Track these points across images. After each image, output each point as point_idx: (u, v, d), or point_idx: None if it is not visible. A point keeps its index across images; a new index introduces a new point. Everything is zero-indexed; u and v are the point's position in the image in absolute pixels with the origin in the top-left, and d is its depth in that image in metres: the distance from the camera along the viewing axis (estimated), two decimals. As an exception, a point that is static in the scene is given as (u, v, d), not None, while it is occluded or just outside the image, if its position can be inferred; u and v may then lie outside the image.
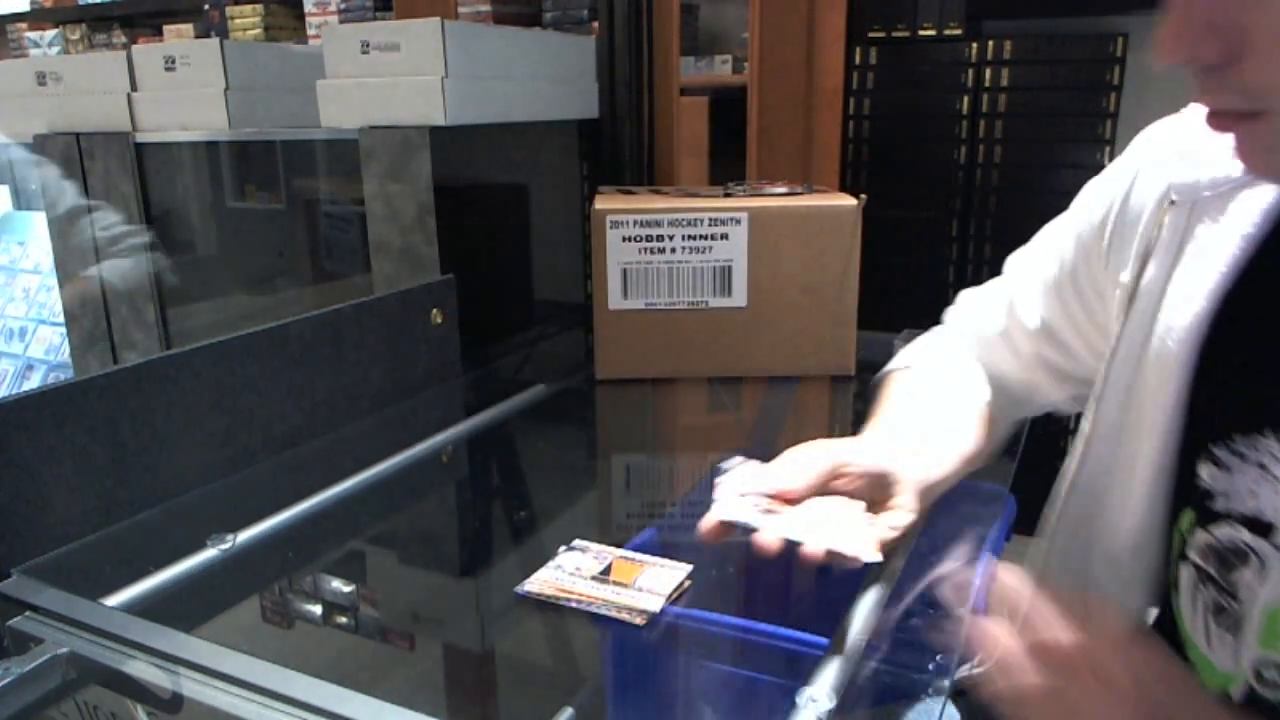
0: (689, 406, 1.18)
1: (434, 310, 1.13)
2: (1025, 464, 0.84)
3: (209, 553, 0.76)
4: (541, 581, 0.69)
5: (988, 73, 1.48)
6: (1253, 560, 0.53)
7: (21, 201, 1.79)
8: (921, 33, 1.52)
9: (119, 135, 1.48)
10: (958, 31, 1.50)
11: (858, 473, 0.63)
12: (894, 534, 0.62)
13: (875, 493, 0.65)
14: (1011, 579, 0.52)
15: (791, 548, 0.57)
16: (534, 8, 1.99)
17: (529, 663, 0.68)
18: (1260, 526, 0.52)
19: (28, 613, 0.65)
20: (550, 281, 1.49)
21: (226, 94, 1.39)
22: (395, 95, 1.20)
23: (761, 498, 0.61)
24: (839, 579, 0.57)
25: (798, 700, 0.54)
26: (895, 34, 1.54)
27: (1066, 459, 0.67)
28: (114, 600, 0.68)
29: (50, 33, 3.12)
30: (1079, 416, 0.70)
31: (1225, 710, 0.50)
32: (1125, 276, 0.62)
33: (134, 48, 1.48)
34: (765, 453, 0.67)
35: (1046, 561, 0.67)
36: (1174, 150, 0.61)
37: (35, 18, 3.13)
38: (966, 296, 0.85)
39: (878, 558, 0.58)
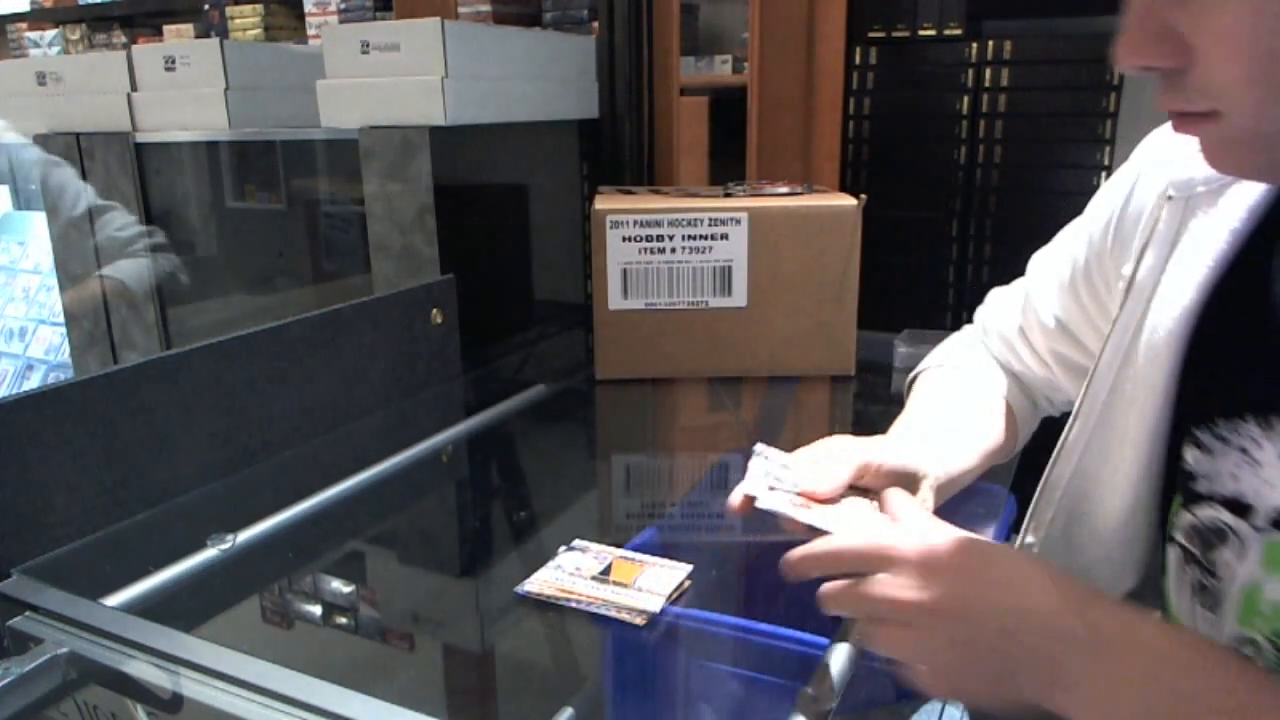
0: (689, 406, 1.18)
1: (434, 310, 1.13)
2: (1025, 464, 0.84)
3: (209, 553, 0.76)
4: (541, 581, 0.69)
5: (988, 73, 1.48)
6: (1232, 540, 0.55)
7: (21, 201, 1.79)
8: (921, 33, 1.52)
9: (119, 135, 1.48)
10: (958, 31, 1.49)
11: (884, 471, 0.65)
12: None
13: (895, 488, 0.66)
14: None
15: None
16: (534, 8, 1.99)
17: (529, 663, 0.68)
18: (1240, 508, 0.54)
19: (28, 613, 0.65)
20: (550, 281, 1.49)
21: (226, 94, 1.39)
22: (395, 95, 1.20)
23: (780, 467, 0.63)
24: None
25: (798, 700, 0.54)
26: (895, 34, 1.53)
27: (1059, 442, 0.69)
28: (114, 600, 0.68)
29: (50, 33, 3.12)
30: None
31: (1100, 610, 0.49)
32: (1126, 269, 0.64)
33: (134, 48, 1.48)
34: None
35: (1039, 547, 0.68)
36: (1176, 150, 0.63)
37: (35, 18, 3.13)
38: (994, 295, 0.88)
39: None
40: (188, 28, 2.79)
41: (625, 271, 1.13)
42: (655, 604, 0.65)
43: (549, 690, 0.64)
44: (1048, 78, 1.44)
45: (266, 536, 0.80)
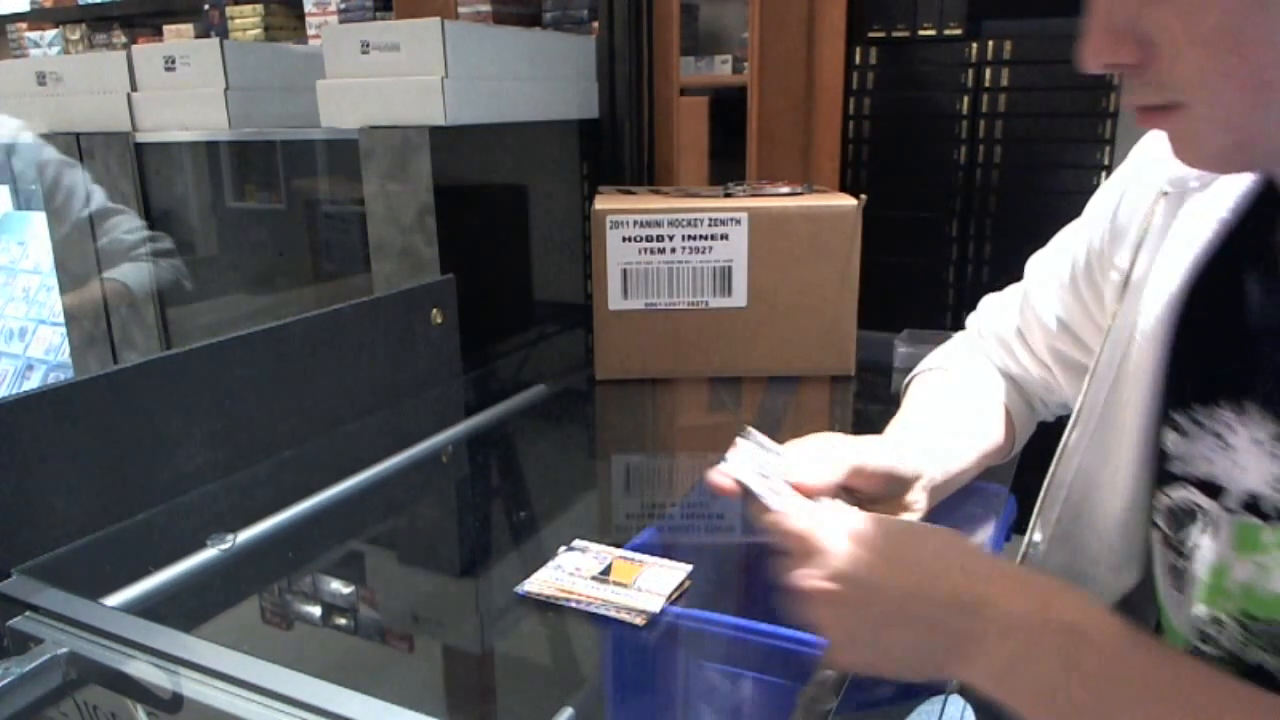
0: (689, 406, 1.18)
1: (434, 310, 1.13)
2: (1025, 464, 0.85)
3: (209, 553, 0.76)
4: (541, 581, 0.69)
5: (988, 73, 1.48)
6: (1203, 520, 0.56)
7: (21, 201, 1.79)
8: (921, 33, 1.52)
9: (119, 135, 1.48)
10: (958, 31, 1.49)
11: (873, 472, 0.66)
12: None
13: (889, 490, 0.67)
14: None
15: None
16: (534, 8, 1.99)
17: (529, 663, 0.68)
18: (1212, 489, 0.56)
19: (28, 613, 0.65)
20: (550, 281, 1.49)
21: (226, 94, 1.39)
22: (395, 95, 1.20)
23: (780, 482, 0.63)
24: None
25: (798, 700, 0.54)
26: (895, 34, 1.54)
27: (1061, 440, 0.70)
28: (114, 600, 0.68)
29: (50, 33, 3.12)
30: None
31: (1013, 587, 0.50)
32: (1123, 264, 0.66)
33: (134, 48, 1.48)
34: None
35: (1045, 545, 0.69)
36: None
37: (35, 18, 3.13)
38: (988, 301, 0.88)
39: None
40: (188, 28, 2.79)
41: (625, 271, 1.13)
42: (655, 604, 0.65)
43: (549, 690, 0.64)
44: (1048, 78, 1.44)
45: (266, 536, 0.80)
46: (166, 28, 2.84)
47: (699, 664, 0.64)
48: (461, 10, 1.93)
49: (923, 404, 0.81)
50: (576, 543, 0.75)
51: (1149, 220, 0.64)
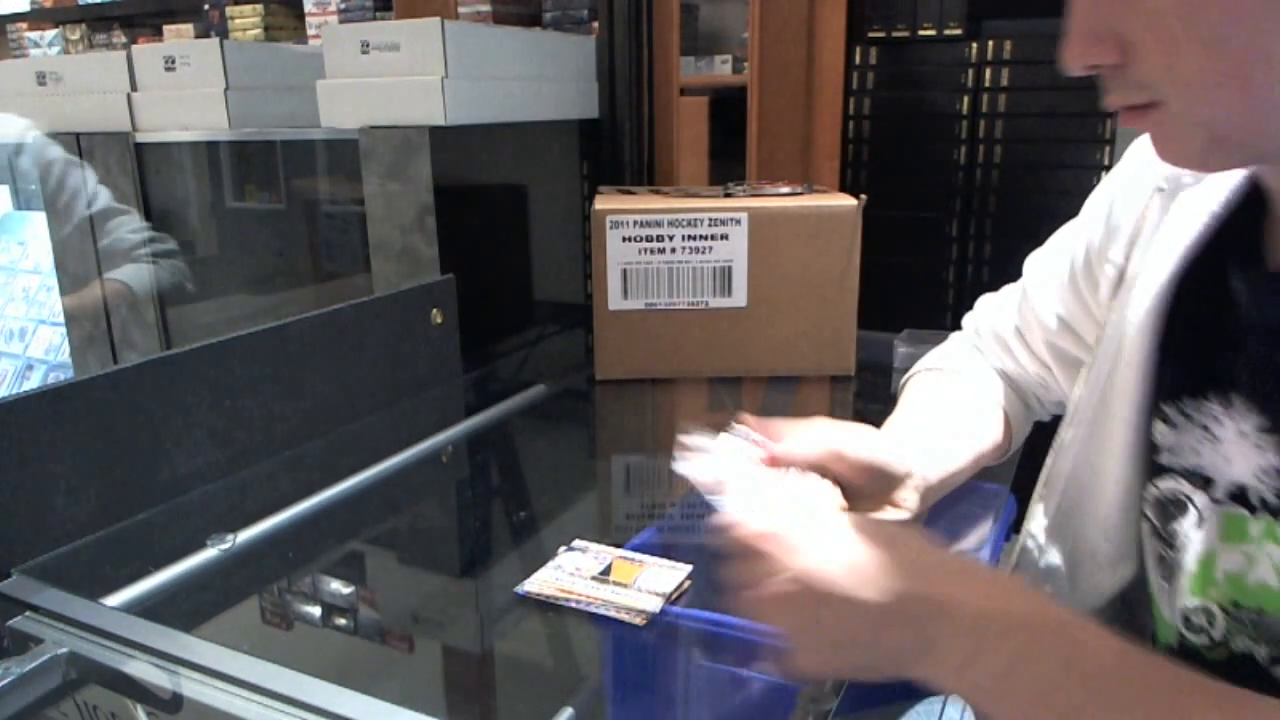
0: (689, 406, 1.18)
1: (434, 310, 1.13)
2: (1025, 464, 0.85)
3: (209, 553, 0.76)
4: (541, 581, 0.69)
5: (988, 73, 1.48)
6: (1191, 511, 0.57)
7: (21, 201, 1.79)
8: (921, 33, 1.52)
9: (119, 135, 1.48)
10: (958, 31, 1.49)
11: (855, 461, 0.65)
12: None
13: (877, 486, 0.67)
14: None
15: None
16: (534, 8, 2.00)
17: (529, 663, 0.68)
18: (1200, 480, 0.57)
19: (28, 613, 0.65)
20: (550, 281, 1.49)
21: (226, 94, 1.39)
22: (395, 95, 1.20)
23: (749, 464, 0.63)
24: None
25: (798, 700, 0.54)
26: (895, 34, 1.54)
27: (1058, 434, 0.70)
28: (114, 600, 0.68)
29: (50, 33, 3.12)
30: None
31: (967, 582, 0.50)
32: (1118, 259, 0.66)
33: (134, 48, 1.48)
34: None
35: (1044, 536, 0.69)
36: None
37: (35, 18, 3.13)
38: (984, 301, 0.89)
39: None
40: (188, 28, 2.79)
41: (625, 271, 1.13)
42: (655, 604, 0.65)
43: (549, 690, 0.64)
44: (1048, 78, 1.44)
45: (266, 536, 0.80)
46: (166, 28, 2.84)
47: (699, 664, 0.64)
48: (461, 10, 1.93)
49: (919, 404, 0.81)
50: (576, 543, 0.75)
51: (1144, 216, 0.65)
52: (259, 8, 2.50)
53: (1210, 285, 0.58)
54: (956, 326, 0.91)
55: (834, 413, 1.16)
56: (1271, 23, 0.44)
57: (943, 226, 1.55)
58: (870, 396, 1.17)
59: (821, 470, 0.65)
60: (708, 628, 0.64)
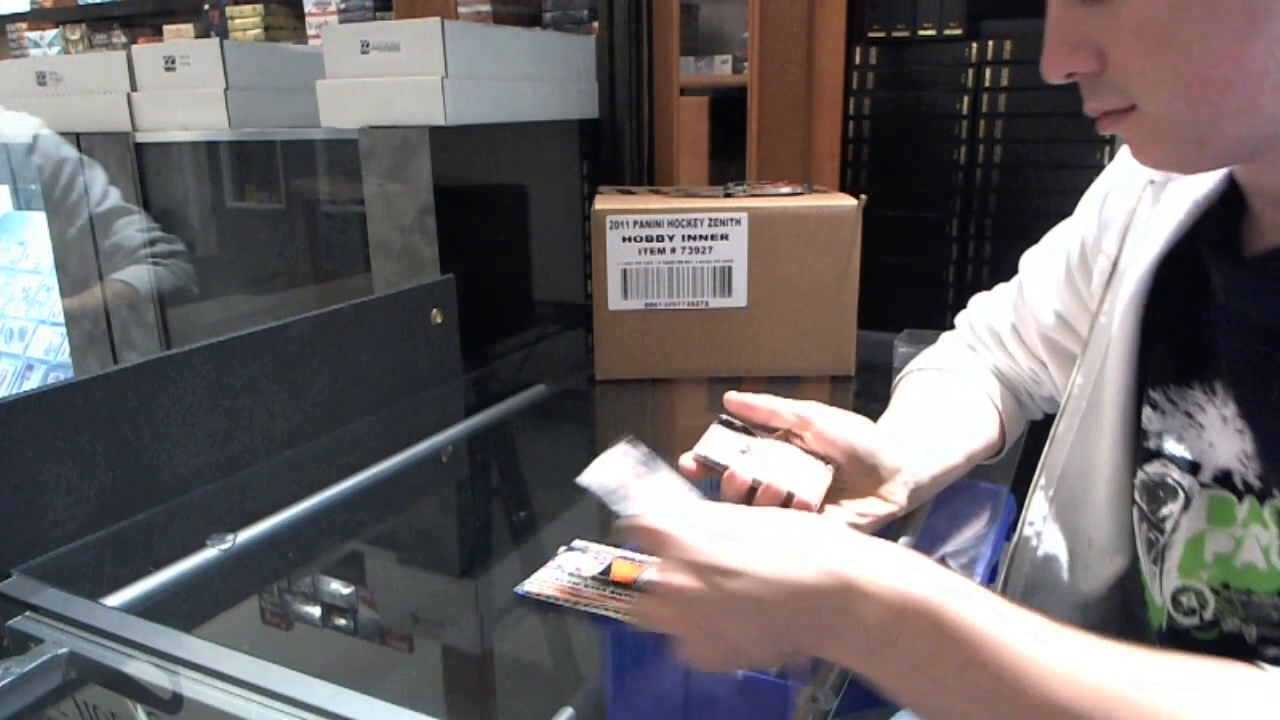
0: (689, 406, 1.18)
1: (434, 310, 1.13)
2: (1025, 463, 0.85)
3: (209, 553, 0.76)
4: (541, 581, 0.69)
5: (988, 73, 1.48)
6: (1178, 495, 0.58)
7: (21, 201, 1.79)
8: (921, 33, 1.52)
9: (119, 135, 1.48)
10: (958, 31, 1.49)
11: (825, 435, 0.67)
12: (860, 520, 0.66)
13: (865, 477, 0.68)
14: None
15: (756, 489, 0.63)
16: (534, 8, 1.99)
17: (529, 663, 0.68)
18: (1186, 465, 0.58)
19: (28, 613, 0.65)
20: (550, 281, 1.49)
21: (226, 94, 1.39)
22: (395, 95, 1.20)
23: (743, 435, 0.68)
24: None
25: (798, 700, 0.54)
26: (895, 34, 1.53)
27: (1052, 428, 0.71)
28: (114, 600, 0.68)
29: (50, 33, 3.12)
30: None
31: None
32: (1111, 250, 0.68)
33: (134, 48, 1.48)
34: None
35: (1041, 526, 0.69)
36: None
37: (35, 18, 3.13)
38: (977, 300, 0.89)
39: (815, 502, 0.63)
40: (188, 28, 2.79)
41: (625, 272, 1.13)
42: (655, 604, 0.65)
43: (549, 690, 0.64)
44: (1048, 78, 1.43)
45: (266, 536, 0.80)
46: (166, 28, 2.84)
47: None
48: (461, 10, 1.93)
49: (912, 403, 0.81)
50: (576, 543, 0.75)
51: (1135, 209, 0.66)
52: (259, 8, 2.50)
53: (1191, 274, 0.59)
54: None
55: (834, 413, 1.16)
56: (1243, 28, 0.45)
57: (943, 226, 1.55)
58: (870, 396, 1.17)
59: (790, 437, 0.68)
60: (708, 628, 0.64)
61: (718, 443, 0.68)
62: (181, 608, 0.70)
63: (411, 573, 0.83)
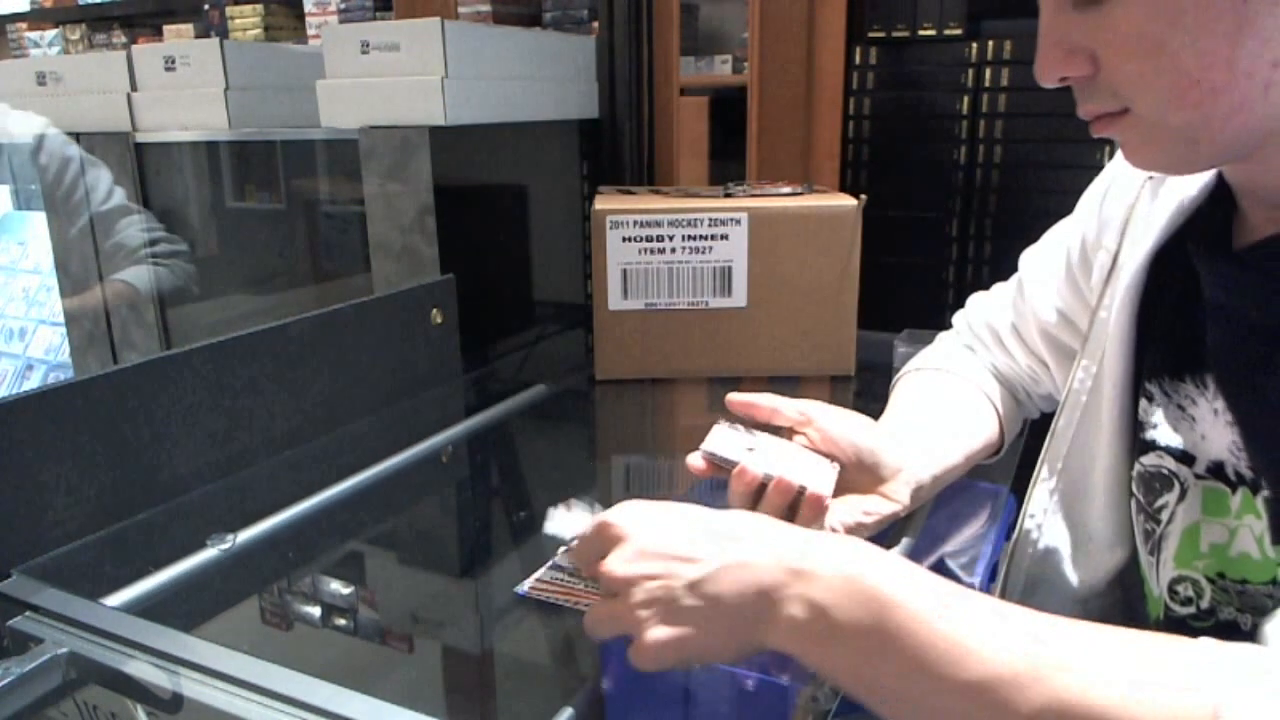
0: (689, 406, 1.18)
1: (434, 310, 1.13)
2: (1025, 463, 0.85)
3: (209, 553, 0.76)
4: (541, 581, 0.69)
5: (988, 73, 1.48)
6: (1174, 485, 0.59)
7: (21, 201, 1.79)
8: (921, 33, 1.52)
9: (119, 135, 1.48)
10: (958, 31, 1.49)
11: (825, 432, 0.68)
12: (866, 519, 0.67)
13: (866, 475, 0.68)
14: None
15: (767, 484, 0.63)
16: (534, 8, 2.00)
17: (529, 663, 0.68)
18: (1181, 456, 0.59)
19: (28, 613, 0.65)
20: (550, 281, 1.49)
21: (226, 94, 1.39)
22: (395, 95, 1.20)
23: (747, 434, 0.68)
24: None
25: (797, 700, 0.54)
26: (895, 34, 1.53)
27: (1053, 421, 0.72)
28: (114, 600, 0.69)
29: (50, 33, 3.12)
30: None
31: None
32: (1110, 245, 0.68)
33: (134, 48, 1.48)
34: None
35: (1042, 520, 0.69)
36: None
37: (35, 18, 3.13)
38: (975, 299, 0.90)
39: (827, 495, 0.63)
40: (188, 28, 2.79)
41: (625, 272, 1.13)
42: (655, 604, 0.65)
43: (549, 690, 0.64)
44: (1048, 78, 1.43)
45: (266, 536, 0.80)
46: (166, 28, 2.84)
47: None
48: (461, 10, 1.93)
49: (911, 403, 0.81)
50: (576, 543, 0.75)
51: (1134, 205, 0.67)
52: (259, 8, 2.50)
53: (1183, 269, 0.60)
54: (957, 327, 0.92)
55: (834, 413, 1.16)
56: (1233, 31, 0.46)
57: (943, 226, 1.55)
58: (870, 396, 1.16)
59: (790, 433, 0.68)
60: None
61: (724, 440, 0.68)
62: (181, 608, 0.70)
63: (411, 573, 0.83)
